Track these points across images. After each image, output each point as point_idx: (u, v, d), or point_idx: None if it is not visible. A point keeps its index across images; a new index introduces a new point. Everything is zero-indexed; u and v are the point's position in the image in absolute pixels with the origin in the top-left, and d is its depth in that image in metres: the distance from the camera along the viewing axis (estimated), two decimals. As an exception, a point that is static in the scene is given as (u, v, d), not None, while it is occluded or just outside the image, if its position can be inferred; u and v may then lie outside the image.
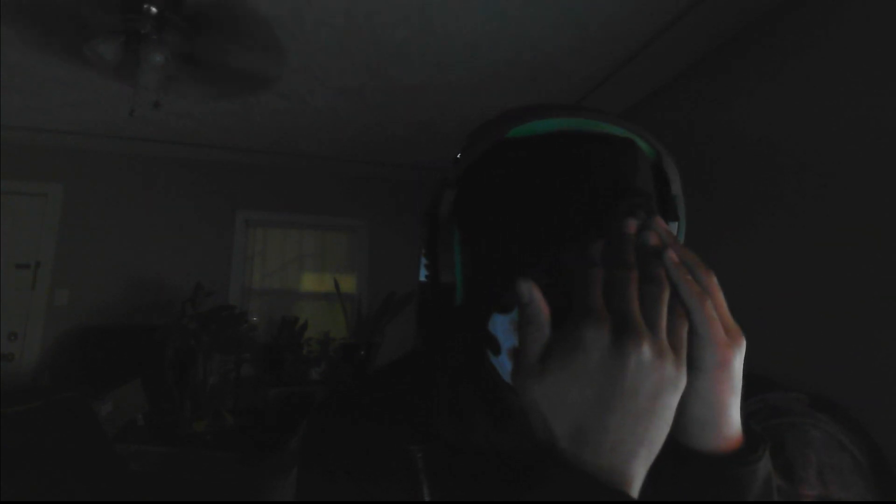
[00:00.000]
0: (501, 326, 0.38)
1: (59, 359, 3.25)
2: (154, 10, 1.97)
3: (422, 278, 0.44)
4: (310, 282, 4.07)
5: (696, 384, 0.33)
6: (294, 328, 3.59)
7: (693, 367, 0.33)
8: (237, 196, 3.86)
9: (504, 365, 0.38)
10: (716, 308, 0.33)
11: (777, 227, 1.95)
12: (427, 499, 0.43)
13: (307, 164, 3.98)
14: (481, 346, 0.39)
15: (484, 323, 0.39)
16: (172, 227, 3.68)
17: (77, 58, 2.32)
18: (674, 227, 0.46)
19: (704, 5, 2.02)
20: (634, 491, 0.30)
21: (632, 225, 0.34)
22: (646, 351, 0.29)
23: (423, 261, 0.44)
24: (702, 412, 0.34)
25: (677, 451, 0.36)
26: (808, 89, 1.87)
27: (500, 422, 0.43)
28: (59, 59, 2.44)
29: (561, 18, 2.12)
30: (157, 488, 1.87)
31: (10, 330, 3.23)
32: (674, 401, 0.31)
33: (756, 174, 2.07)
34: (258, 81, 2.66)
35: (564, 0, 2.00)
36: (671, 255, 0.33)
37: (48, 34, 2.24)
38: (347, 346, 3.50)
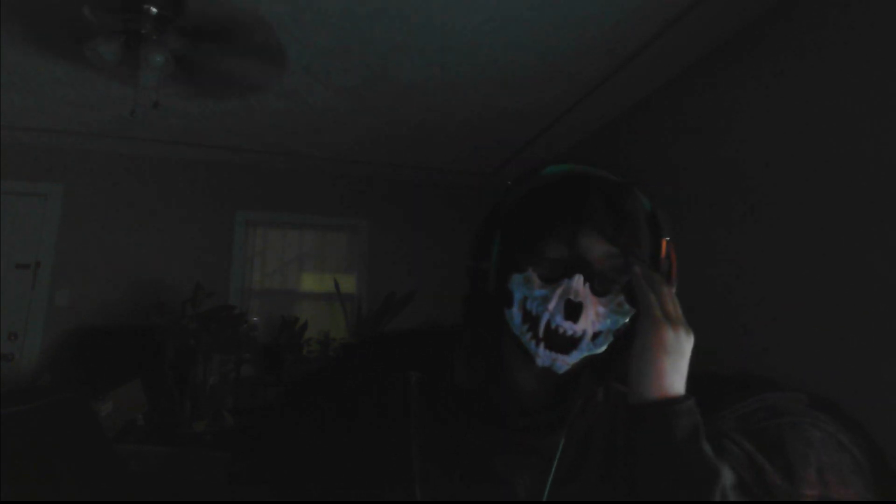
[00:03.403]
0: (517, 281, 0.51)
1: (59, 359, 3.25)
2: (154, 10, 1.97)
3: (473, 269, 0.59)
4: (309, 282, 4.07)
5: (636, 344, 0.52)
6: (294, 328, 3.59)
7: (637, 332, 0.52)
8: (237, 196, 3.86)
9: (515, 317, 0.51)
10: (660, 300, 0.52)
11: (778, 228, 1.95)
12: (409, 415, 0.54)
13: (307, 164, 3.97)
14: (502, 318, 0.54)
15: (507, 282, 0.53)
16: (172, 227, 3.68)
17: (77, 58, 2.32)
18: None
19: (703, 6, 2.02)
20: (680, 390, 0.51)
21: (641, 272, 0.53)
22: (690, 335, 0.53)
23: (474, 256, 0.58)
24: (638, 366, 0.51)
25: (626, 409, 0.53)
26: (809, 89, 1.87)
27: (503, 379, 0.57)
28: (59, 59, 2.44)
29: (561, 19, 2.12)
30: (157, 488, 1.87)
31: (10, 330, 3.23)
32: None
33: (757, 174, 2.07)
34: (258, 81, 2.66)
35: (565, 1, 2.01)
36: (638, 270, 0.52)
37: (48, 34, 2.24)
38: (347, 347, 3.50)
